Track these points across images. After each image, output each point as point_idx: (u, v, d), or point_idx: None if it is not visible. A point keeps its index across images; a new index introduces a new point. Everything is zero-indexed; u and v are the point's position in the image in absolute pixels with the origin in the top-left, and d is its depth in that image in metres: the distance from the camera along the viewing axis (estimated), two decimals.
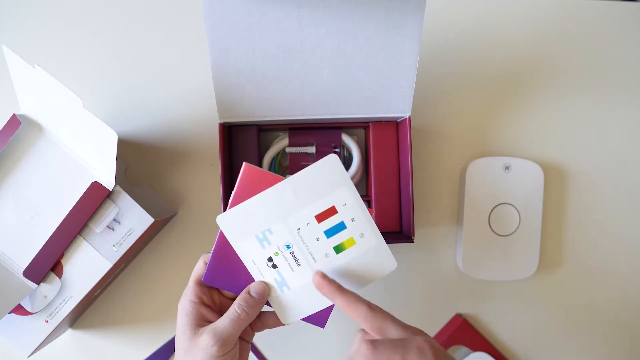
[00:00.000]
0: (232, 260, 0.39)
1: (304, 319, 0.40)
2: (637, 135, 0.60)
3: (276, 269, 0.39)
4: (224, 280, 0.40)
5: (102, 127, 0.42)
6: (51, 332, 0.47)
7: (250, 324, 0.41)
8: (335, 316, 0.56)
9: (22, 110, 0.48)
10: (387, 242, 0.52)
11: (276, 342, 0.58)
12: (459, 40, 0.59)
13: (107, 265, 0.46)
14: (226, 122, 0.50)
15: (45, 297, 0.46)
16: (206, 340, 0.37)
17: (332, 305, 0.39)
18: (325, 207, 0.37)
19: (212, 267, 0.39)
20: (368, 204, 0.55)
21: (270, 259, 0.39)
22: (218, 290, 0.41)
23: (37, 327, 0.47)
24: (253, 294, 0.39)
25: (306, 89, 0.48)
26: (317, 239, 0.38)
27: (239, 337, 0.41)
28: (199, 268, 0.40)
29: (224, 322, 0.38)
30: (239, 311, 0.38)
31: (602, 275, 0.60)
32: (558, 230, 0.60)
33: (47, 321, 0.47)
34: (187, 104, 0.57)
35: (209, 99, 0.56)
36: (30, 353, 0.47)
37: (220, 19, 0.44)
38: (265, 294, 0.39)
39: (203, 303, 0.39)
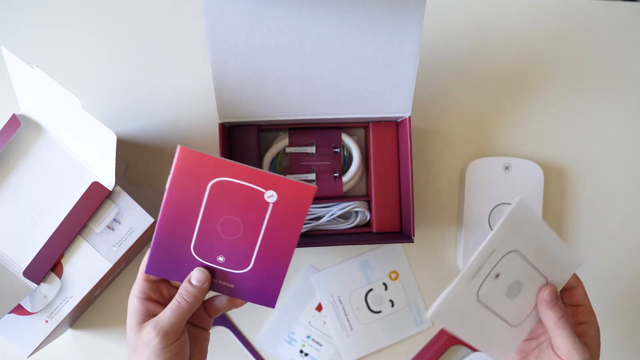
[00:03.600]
0: (174, 248, 0.38)
1: (253, 301, 0.40)
2: (637, 135, 0.60)
3: (307, 356, 0.57)
4: (168, 270, 0.39)
5: (101, 128, 0.42)
6: (51, 332, 0.47)
7: (206, 310, 0.41)
8: None
9: (22, 110, 0.48)
10: (387, 242, 0.52)
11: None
12: (458, 40, 0.59)
13: (107, 265, 0.46)
14: (226, 122, 0.50)
15: (45, 297, 0.46)
16: (148, 333, 0.36)
17: (281, 284, 0.39)
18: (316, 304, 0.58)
19: (154, 257, 0.38)
20: (368, 204, 0.55)
21: (301, 351, 0.57)
22: (167, 282, 0.40)
23: (37, 327, 0.47)
24: (193, 281, 0.38)
25: (306, 89, 0.48)
26: (324, 322, 0.58)
27: (195, 325, 0.41)
28: (144, 262, 0.39)
29: (165, 313, 0.37)
30: (179, 300, 0.37)
31: (602, 275, 0.60)
32: (558, 230, 0.60)
33: (47, 321, 0.47)
34: (187, 103, 0.57)
35: (209, 99, 0.56)
36: (30, 353, 0.47)
37: (220, 19, 0.44)
38: (206, 280, 0.39)
39: (149, 298, 0.39)
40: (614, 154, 0.60)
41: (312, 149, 0.55)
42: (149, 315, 0.38)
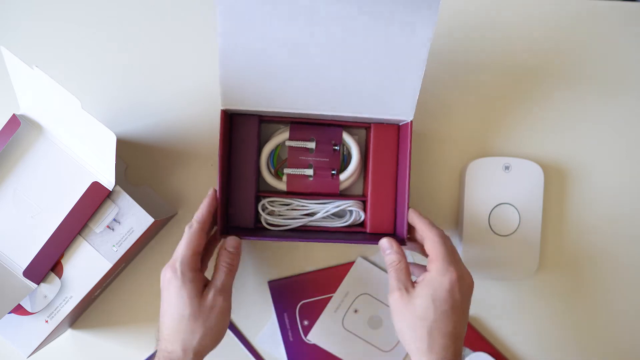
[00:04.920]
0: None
1: None
2: (637, 135, 0.60)
3: None
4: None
5: (100, 129, 0.42)
6: (51, 332, 0.47)
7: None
8: None
9: (22, 110, 0.48)
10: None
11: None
12: (459, 40, 0.59)
13: (107, 265, 0.46)
14: (228, 110, 0.50)
15: (45, 297, 0.46)
16: (217, 300, 0.42)
17: None
18: None
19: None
20: (363, 204, 0.55)
21: None
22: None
23: (37, 327, 0.47)
24: (229, 248, 0.45)
25: (311, 84, 0.48)
26: None
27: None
28: (194, 238, 0.44)
29: (221, 277, 0.44)
30: (225, 265, 0.44)
31: (602, 275, 0.60)
32: (558, 230, 0.60)
33: (47, 321, 0.47)
34: (187, 104, 0.57)
35: (209, 99, 0.56)
36: (30, 353, 0.47)
37: (235, 3, 0.43)
38: (239, 246, 0.46)
39: (198, 270, 0.44)
40: (614, 153, 0.60)
41: (312, 145, 0.54)
42: (202, 284, 0.43)
